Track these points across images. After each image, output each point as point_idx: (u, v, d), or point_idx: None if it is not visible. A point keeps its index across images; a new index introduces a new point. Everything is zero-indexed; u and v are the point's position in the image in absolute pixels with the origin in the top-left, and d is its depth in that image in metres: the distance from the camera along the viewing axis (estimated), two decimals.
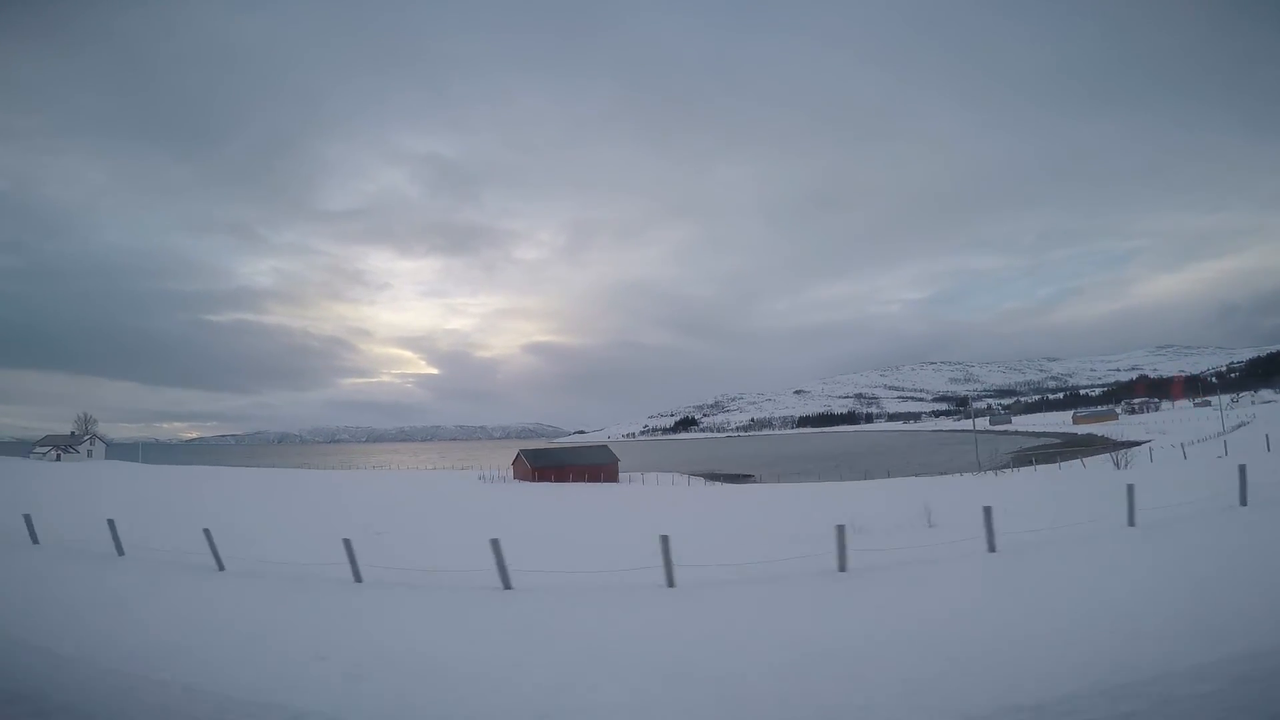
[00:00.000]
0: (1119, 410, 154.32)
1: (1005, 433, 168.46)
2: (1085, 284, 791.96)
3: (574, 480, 57.12)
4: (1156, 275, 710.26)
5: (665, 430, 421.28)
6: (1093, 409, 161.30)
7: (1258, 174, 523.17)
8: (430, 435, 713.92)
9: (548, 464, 56.94)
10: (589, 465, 59.01)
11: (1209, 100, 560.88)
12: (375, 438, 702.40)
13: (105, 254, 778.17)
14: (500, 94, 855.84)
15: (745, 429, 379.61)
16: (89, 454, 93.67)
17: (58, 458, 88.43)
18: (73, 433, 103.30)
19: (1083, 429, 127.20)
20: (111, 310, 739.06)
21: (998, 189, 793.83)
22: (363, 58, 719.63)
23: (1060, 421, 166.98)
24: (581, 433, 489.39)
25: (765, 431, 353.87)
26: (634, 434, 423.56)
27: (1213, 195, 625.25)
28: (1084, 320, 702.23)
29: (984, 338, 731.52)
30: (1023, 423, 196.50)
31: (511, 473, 60.70)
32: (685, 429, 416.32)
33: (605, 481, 58.69)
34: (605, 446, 65.56)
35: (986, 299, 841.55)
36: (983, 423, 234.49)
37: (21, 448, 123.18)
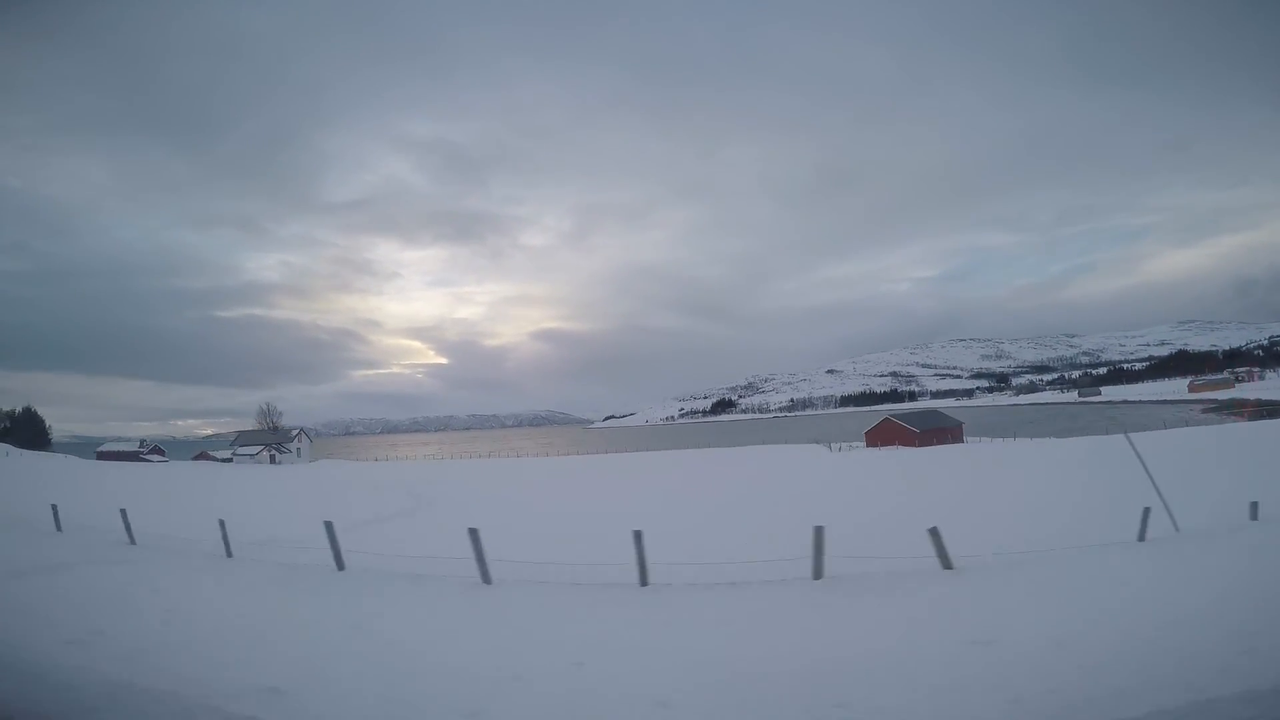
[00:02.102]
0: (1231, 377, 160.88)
1: (1111, 403, 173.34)
2: (1097, 260, 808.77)
3: (938, 443, 58.77)
4: (1169, 251, 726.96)
5: (704, 413, 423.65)
6: (1209, 377, 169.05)
7: (1277, 148, 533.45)
8: (443, 425, 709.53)
9: (930, 427, 58.68)
10: (949, 428, 60.76)
11: (1227, 76, 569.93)
12: (389, 429, 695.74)
13: (112, 253, 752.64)
14: (504, 79, 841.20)
15: (787, 409, 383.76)
16: (298, 452, 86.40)
17: (272, 459, 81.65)
18: (274, 427, 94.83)
19: (1222, 395, 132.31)
20: (121, 310, 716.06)
21: (1010, 166, 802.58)
22: (364, 45, 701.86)
23: (1164, 391, 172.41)
24: (612, 417, 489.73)
25: (809, 411, 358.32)
26: (672, 417, 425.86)
27: (1230, 170, 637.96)
28: (1097, 296, 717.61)
29: (996, 314, 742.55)
30: (1112, 393, 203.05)
31: (864, 441, 61.86)
32: (724, 411, 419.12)
33: (957, 443, 60.49)
34: (936, 410, 67.34)
35: (998, 276, 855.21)
36: (1057, 395, 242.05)
37: (187, 447, 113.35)
